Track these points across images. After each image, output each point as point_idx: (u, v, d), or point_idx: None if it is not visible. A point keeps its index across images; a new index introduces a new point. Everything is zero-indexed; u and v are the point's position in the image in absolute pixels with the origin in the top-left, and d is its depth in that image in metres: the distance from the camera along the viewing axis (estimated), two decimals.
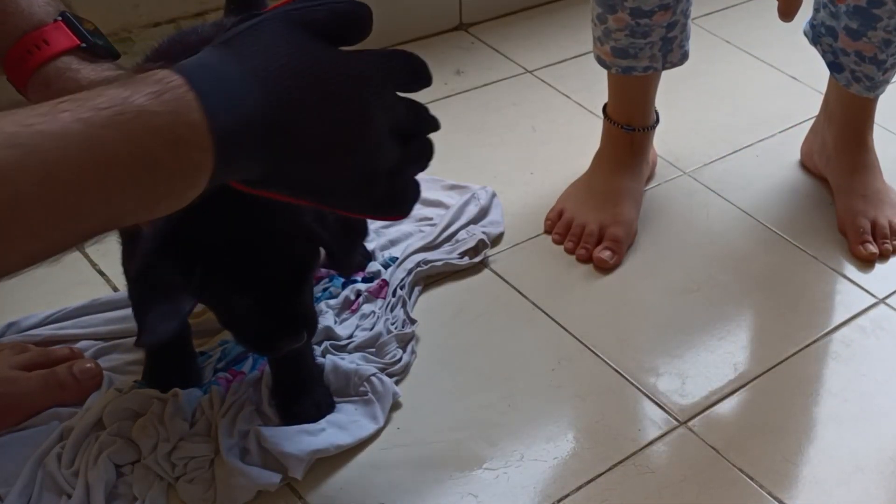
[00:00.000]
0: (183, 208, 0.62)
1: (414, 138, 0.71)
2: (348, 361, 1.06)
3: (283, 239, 0.80)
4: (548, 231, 1.31)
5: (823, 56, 1.33)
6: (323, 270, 1.16)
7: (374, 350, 1.09)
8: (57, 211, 0.54)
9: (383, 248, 1.23)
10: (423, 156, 0.72)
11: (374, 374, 1.04)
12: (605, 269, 1.26)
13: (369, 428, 1.02)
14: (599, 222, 1.28)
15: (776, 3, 1.06)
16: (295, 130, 0.62)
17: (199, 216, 0.74)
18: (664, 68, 1.29)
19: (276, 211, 0.79)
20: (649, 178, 1.39)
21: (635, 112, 1.32)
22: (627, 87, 1.31)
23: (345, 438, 1.00)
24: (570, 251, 1.28)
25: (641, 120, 1.32)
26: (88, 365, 1.02)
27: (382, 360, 1.08)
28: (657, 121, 1.35)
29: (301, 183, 0.66)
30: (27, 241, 0.54)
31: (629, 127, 1.32)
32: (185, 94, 0.57)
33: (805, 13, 1.35)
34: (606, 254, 1.26)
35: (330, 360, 1.06)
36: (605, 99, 1.34)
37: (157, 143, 0.56)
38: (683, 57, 1.30)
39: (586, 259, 1.27)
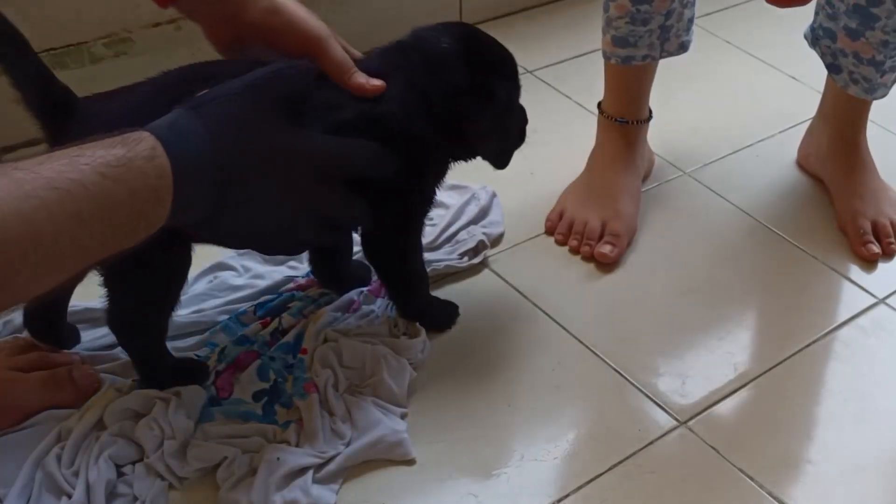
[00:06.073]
0: None
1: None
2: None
3: None
4: (549, 233, 1.31)
5: (822, 58, 1.34)
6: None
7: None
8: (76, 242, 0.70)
9: None
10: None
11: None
12: (606, 263, 1.26)
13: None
14: (601, 218, 1.28)
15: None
16: (235, 183, 0.82)
17: None
18: (661, 57, 1.30)
19: None
20: (647, 178, 1.40)
21: (630, 104, 1.33)
22: (624, 78, 1.32)
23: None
24: (575, 250, 1.28)
25: (635, 113, 1.33)
26: (88, 372, 1.02)
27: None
28: (650, 116, 1.35)
29: (229, 228, 0.85)
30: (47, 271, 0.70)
31: (623, 119, 1.32)
32: (160, 154, 0.76)
33: (808, 17, 1.36)
34: (607, 248, 1.26)
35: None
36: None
37: (141, 190, 0.74)
38: (681, 47, 1.31)
39: (590, 256, 1.27)
